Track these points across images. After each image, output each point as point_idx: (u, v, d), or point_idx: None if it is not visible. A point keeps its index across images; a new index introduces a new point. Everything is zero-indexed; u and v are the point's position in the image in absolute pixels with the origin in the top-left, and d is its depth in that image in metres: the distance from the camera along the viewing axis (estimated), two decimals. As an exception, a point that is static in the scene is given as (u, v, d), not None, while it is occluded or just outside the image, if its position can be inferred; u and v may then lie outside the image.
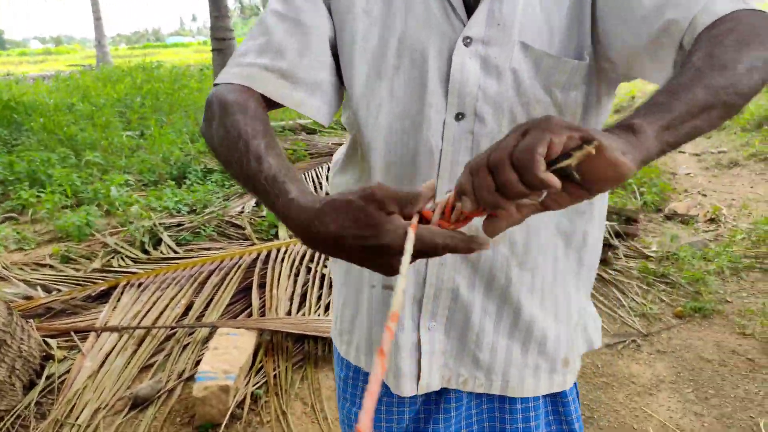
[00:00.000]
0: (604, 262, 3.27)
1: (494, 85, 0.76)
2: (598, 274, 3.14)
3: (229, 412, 2.10)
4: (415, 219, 0.55)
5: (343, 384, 1.03)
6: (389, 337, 0.43)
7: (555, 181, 0.46)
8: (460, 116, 0.78)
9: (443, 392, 0.95)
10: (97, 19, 20.05)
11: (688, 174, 5.22)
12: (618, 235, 3.60)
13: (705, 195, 4.60)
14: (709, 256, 3.31)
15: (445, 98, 0.78)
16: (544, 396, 0.95)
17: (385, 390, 0.94)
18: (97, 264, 3.36)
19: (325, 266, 3.07)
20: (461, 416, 0.96)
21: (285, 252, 3.20)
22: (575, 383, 0.98)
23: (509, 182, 0.47)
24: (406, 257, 0.51)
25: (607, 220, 3.78)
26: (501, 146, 0.49)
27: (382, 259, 0.55)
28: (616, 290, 3.02)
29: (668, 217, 4.08)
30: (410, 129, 0.80)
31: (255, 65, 0.79)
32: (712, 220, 3.98)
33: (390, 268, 0.55)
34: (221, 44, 8.28)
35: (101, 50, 19.88)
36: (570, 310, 0.92)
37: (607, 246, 3.33)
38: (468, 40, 0.76)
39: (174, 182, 5.16)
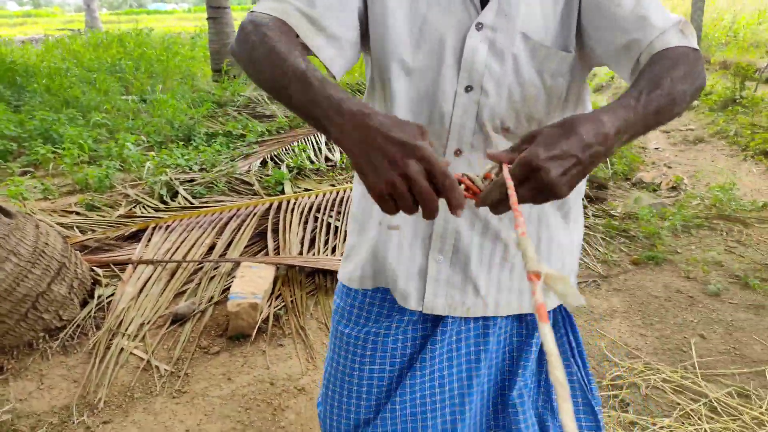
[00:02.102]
0: (574, 219, 3.72)
1: (498, 66, 0.91)
2: (568, 229, 3.60)
3: (257, 326, 2.52)
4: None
5: (341, 311, 1.19)
6: (534, 287, 0.49)
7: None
8: (469, 88, 0.92)
9: (439, 320, 1.12)
10: (86, -18, 19.76)
11: (657, 148, 5.70)
12: (588, 198, 4.05)
13: (670, 167, 5.08)
14: (666, 216, 3.79)
15: (458, 73, 0.92)
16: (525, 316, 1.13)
17: (399, 313, 1.12)
18: (122, 210, 3.72)
19: (331, 216, 3.47)
20: (451, 338, 1.12)
21: (294, 203, 3.60)
22: (563, 314, 1.18)
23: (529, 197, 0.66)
24: (512, 195, 0.63)
25: (580, 185, 4.23)
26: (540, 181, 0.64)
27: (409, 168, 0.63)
28: (583, 241, 3.48)
29: (635, 185, 4.54)
30: (427, 95, 0.95)
31: (290, 4, 0.86)
32: (673, 188, 4.46)
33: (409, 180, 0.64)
34: (216, 12, 8.49)
35: (90, 15, 19.58)
36: (551, 248, 1.08)
37: (578, 206, 3.78)
38: (480, 26, 0.90)
39: (181, 144, 5.48)
